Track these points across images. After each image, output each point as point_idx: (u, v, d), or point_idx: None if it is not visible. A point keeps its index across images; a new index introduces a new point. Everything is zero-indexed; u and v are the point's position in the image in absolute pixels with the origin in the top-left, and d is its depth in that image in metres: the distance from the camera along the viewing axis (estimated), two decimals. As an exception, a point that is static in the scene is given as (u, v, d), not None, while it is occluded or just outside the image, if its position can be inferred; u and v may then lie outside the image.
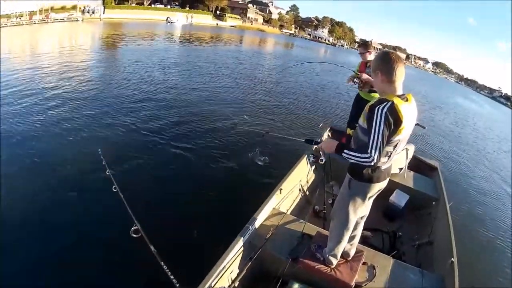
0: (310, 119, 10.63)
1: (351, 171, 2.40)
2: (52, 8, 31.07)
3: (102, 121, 7.22)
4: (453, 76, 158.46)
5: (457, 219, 5.10)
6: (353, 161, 2.09)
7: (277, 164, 6.06)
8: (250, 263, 2.74)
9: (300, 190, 4.48)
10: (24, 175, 4.82)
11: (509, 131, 23.88)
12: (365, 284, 2.69)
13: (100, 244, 3.70)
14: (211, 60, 19.93)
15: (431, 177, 5.36)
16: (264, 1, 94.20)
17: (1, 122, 6.30)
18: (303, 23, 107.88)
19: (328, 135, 6.00)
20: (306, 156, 4.72)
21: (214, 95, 11.40)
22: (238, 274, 2.69)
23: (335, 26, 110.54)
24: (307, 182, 4.82)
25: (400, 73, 2.12)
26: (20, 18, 25.33)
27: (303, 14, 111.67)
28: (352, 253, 2.88)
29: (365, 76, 4.86)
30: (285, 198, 3.92)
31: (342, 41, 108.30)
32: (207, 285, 2.38)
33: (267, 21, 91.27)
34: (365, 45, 5.32)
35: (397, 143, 2.16)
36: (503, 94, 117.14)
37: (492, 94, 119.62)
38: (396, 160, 2.86)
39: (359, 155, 2.04)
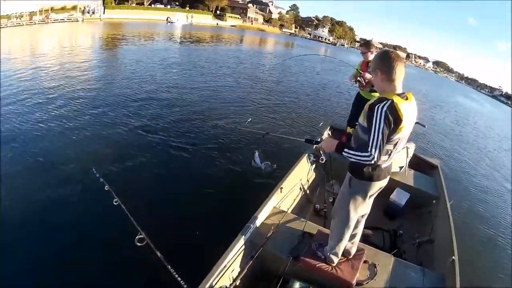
0: (311, 117, 10.63)
1: (351, 170, 2.41)
2: (52, 9, 31.06)
3: (104, 120, 7.24)
4: (453, 75, 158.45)
5: (458, 217, 5.10)
6: (353, 159, 2.09)
7: (278, 163, 6.03)
8: (251, 261, 2.75)
9: (300, 189, 4.49)
10: (25, 175, 4.82)
11: (509, 129, 23.83)
12: (366, 283, 2.70)
13: (100, 244, 3.71)
14: (211, 59, 19.94)
15: (431, 176, 5.36)
16: (264, 1, 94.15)
17: (2, 122, 6.32)
18: (303, 23, 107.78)
19: (328, 134, 6.00)
20: (307, 155, 4.73)
21: (215, 94, 11.42)
22: (239, 273, 2.70)
23: (335, 26, 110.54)
24: (308, 181, 4.82)
25: (400, 72, 2.12)
26: (20, 19, 25.35)
27: (303, 14, 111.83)
28: (353, 251, 2.88)
29: (368, 75, 4.85)
30: (285, 197, 3.92)
31: (342, 40, 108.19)
32: (208, 284, 2.39)
33: (267, 20, 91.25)
34: (367, 44, 5.30)
35: (397, 141, 2.17)
36: (503, 93, 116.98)
37: (493, 93, 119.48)
38: (397, 158, 2.87)
39: (360, 153, 2.04)
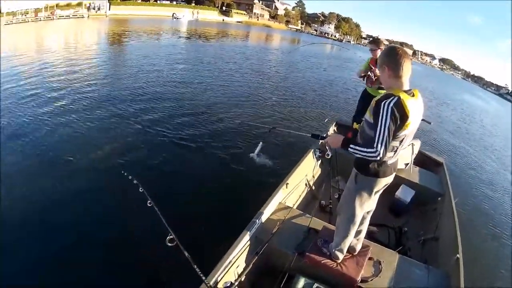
0: (317, 113, 10.65)
1: (357, 166, 2.40)
2: (57, 5, 31.22)
3: (112, 116, 7.29)
4: (459, 72, 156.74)
5: (463, 215, 5.08)
6: (359, 155, 2.08)
7: (283, 158, 6.05)
8: (256, 257, 2.75)
9: (306, 184, 4.48)
10: (29, 174, 4.84)
11: (516, 128, 23.60)
12: (371, 279, 2.70)
13: (104, 240, 3.72)
14: (218, 55, 19.95)
15: (437, 173, 5.33)
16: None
17: (7, 118, 6.39)
18: (310, 19, 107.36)
19: (334, 129, 5.99)
20: (312, 150, 4.72)
21: (222, 89, 11.48)
22: (245, 269, 2.71)
23: (342, 22, 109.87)
24: (313, 176, 4.81)
25: (407, 68, 2.11)
26: (25, 16, 25.50)
27: (309, 10, 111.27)
28: (358, 248, 2.89)
29: (378, 72, 4.81)
30: (291, 193, 3.92)
31: (348, 36, 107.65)
32: (214, 279, 2.40)
33: (273, 16, 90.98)
34: (376, 42, 5.17)
35: (403, 138, 2.16)
36: (510, 91, 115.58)
37: (499, 91, 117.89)
38: (402, 155, 2.86)
39: (365, 149, 2.03)
